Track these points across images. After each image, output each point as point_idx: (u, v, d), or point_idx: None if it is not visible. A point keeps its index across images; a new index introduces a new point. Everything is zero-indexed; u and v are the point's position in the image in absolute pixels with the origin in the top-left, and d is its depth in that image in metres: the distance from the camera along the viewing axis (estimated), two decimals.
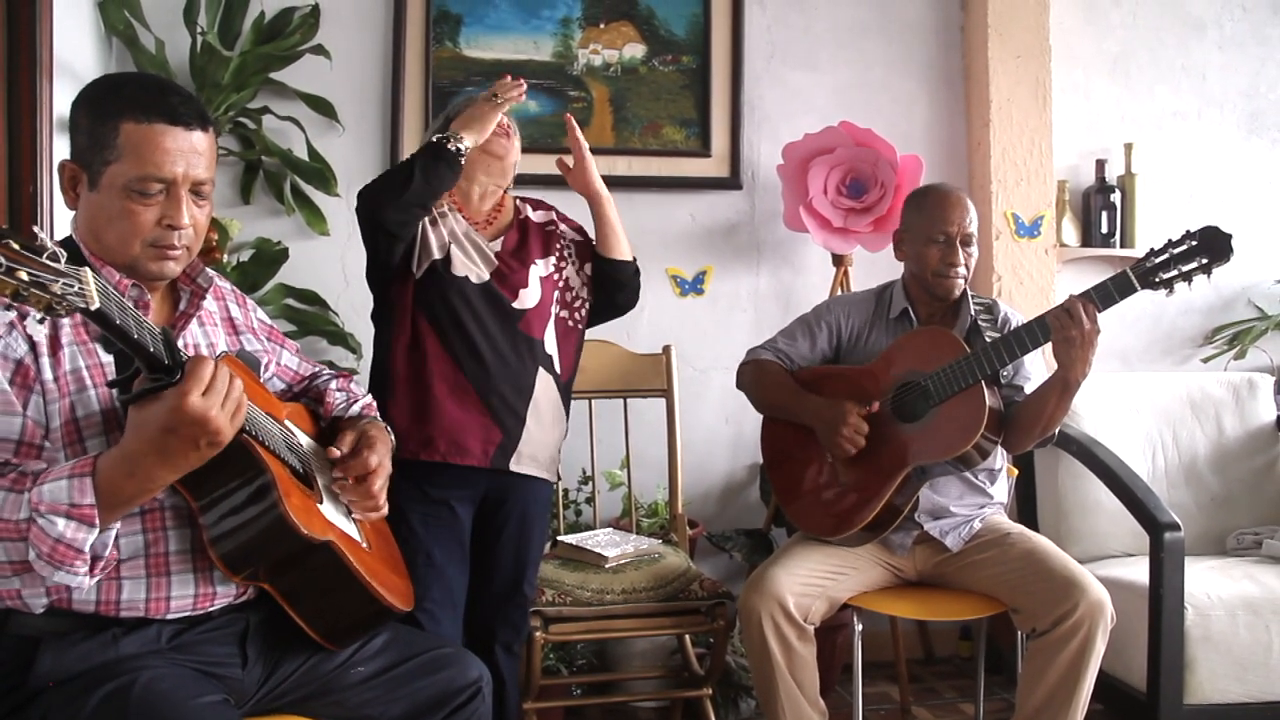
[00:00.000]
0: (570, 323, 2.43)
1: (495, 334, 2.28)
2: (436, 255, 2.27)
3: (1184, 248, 2.20)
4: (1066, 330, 2.21)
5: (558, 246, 2.44)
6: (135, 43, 2.96)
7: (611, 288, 2.48)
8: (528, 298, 2.33)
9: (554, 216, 2.51)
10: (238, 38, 3.09)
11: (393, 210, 2.18)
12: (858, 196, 3.22)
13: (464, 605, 2.33)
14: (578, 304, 2.45)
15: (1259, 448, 3.12)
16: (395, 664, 1.69)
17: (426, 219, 2.28)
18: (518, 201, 2.49)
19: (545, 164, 3.29)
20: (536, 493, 2.38)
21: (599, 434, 2.92)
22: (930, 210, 2.49)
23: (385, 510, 1.76)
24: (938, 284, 2.48)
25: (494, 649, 2.36)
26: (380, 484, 1.72)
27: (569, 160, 2.47)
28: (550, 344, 2.36)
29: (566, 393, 2.43)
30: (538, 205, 2.51)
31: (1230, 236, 2.17)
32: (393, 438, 1.83)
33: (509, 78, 2.27)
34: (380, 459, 1.73)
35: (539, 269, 2.37)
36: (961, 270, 2.47)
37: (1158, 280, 2.21)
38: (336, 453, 1.70)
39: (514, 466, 2.30)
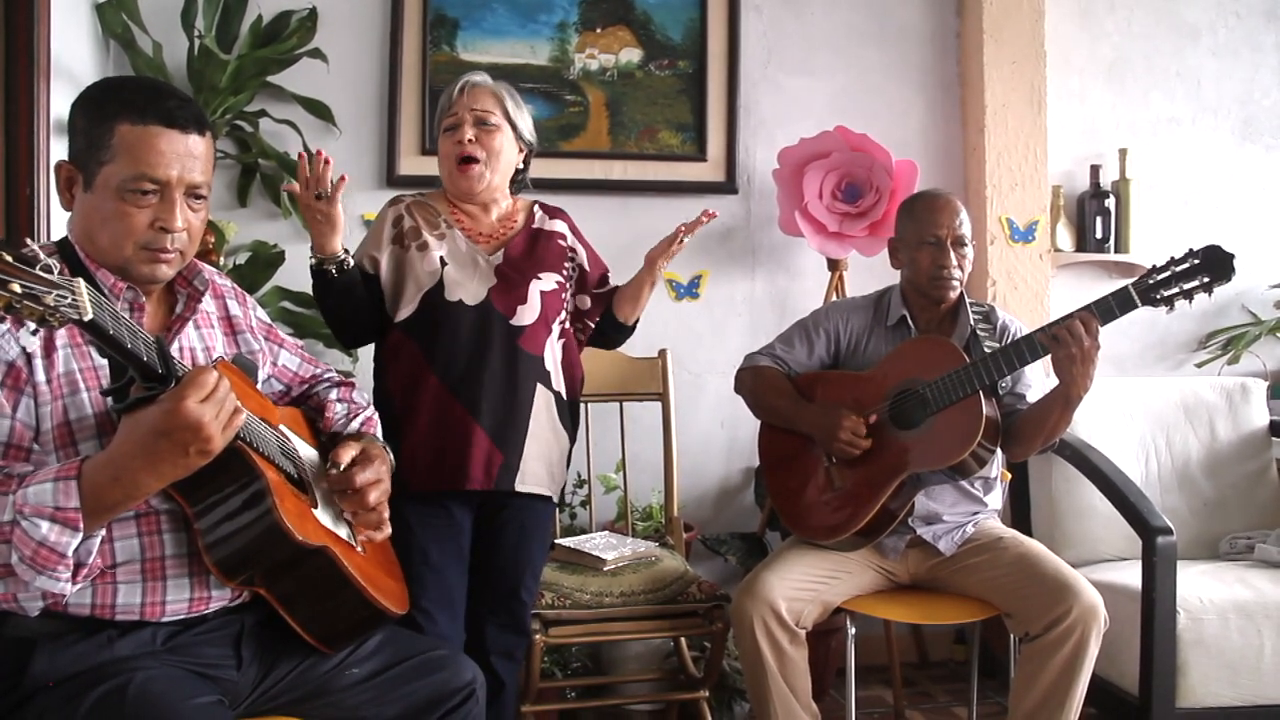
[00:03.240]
0: (574, 339, 2.43)
1: (494, 356, 2.22)
2: (428, 285, 2.22)
3: (1186, 265, 2.19)
4: (1068, 348, 2.21)
5: (565, 267, 2.39)
6: (133, 46, 2.97)
7: (607, 338, 2.51)
8: (526, 314, 2.26)
9: (568, 230, 2.44)
10: (235, 41, 3.10)
11: (350, 338, 2.31)
12: (853, 201, 3.23)
13: (464, 608, 2.31)
14: (579, 325, 2.45)
15: (1252, 452, 3.13)
16: (389, 666, 1.69)
17: (415, 246, 2.25)
18: (536, 207, 2.43)
19: (540, 168, 3.30)
20: (535, 506, 2.34)
21: (595, 437, 2.93)
22: (920, 215, 2.51)
23: (388, 530, 1.75)
24: (933, 287, 2.49)
25: (489, 655, 2.32)
26: (375, 497, 1.70)
27: (675, 241, 2.39)
28: (550, 360, 2.31)
29: (569, 408, 2.37)
30: (555, 214, 2.45)
31: (1233, 256, 2.16)
32: (391, 457, 1.82)
33: (302, 155, 2.06)
34: (372, 476, 1.70)
35: (541, 283, 2.30)
36: (955, 272, 2.48)
37: (1158, 297, 2.21)
38: (335, 470, 1.68)
39: (519, 486, 2.26)
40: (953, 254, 2.47)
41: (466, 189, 2.30)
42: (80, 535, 1.34)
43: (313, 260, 2.17)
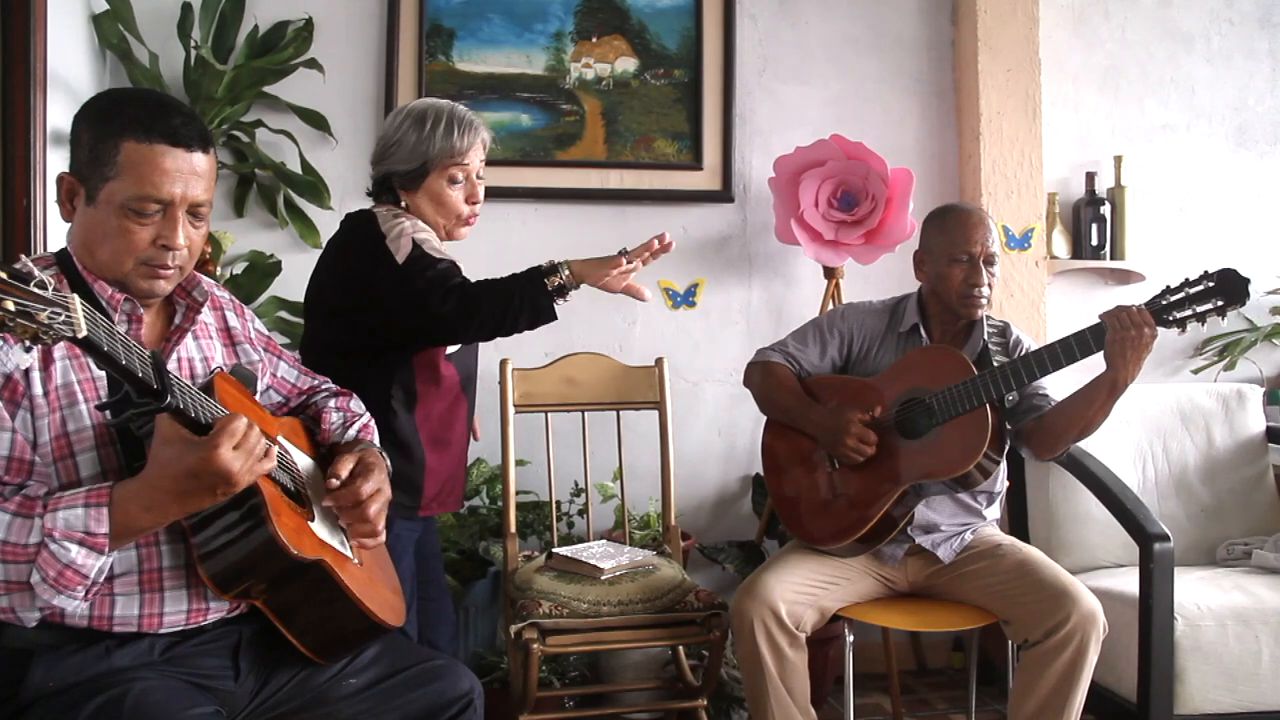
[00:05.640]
0: None
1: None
2: None
3: (1200, 288, 2.18)
4: (1127, 330, 2.18)
5: None
6: (129, 56, 2.97)
7: None
8: None
9: None
10: (231, 51, 3.11)
11: (499, 333, 2.11)
12: (849, 209, 3.23)
13: None
14: None
15: (1248, 459, 3.14)
16: (387, 676, 1.69)
17: None
18: None
19: (536, 177, 3.33)
20: None
21: (592, 446, 2.93)
22: (953, 230, 2.48)
23: (383, 538, 1.75)
24: (963, 304, 2.47)
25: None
26: (376, 509, 1.70)
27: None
28: None
29: None
30: None
31: (1248, 281, 2.15)
32: (388, 462, 1.82)
33: (656, 242, 2.10)
34: (374, 487, 1.71)
35: None
36: (985, 290, 2.46)
37: (1172, 319, 2.20)
38: (334, 482, 1.68)
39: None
40: (984, 272, 2.45)
41: (457, 239, 2.29)
42: (103, 557, 1.37)
43: (575, 284, 2.07)
